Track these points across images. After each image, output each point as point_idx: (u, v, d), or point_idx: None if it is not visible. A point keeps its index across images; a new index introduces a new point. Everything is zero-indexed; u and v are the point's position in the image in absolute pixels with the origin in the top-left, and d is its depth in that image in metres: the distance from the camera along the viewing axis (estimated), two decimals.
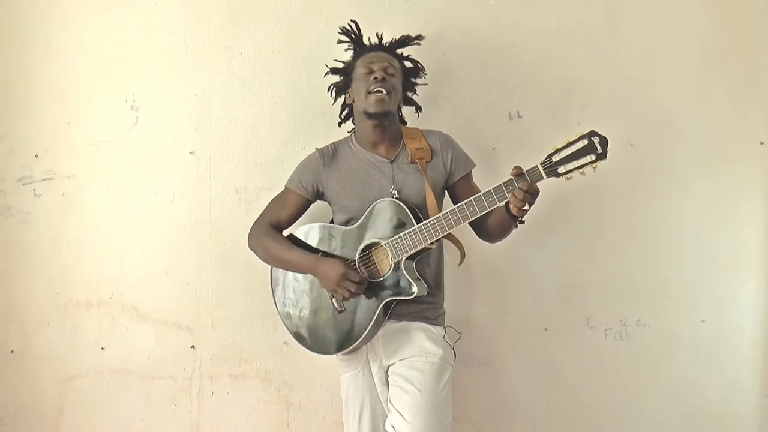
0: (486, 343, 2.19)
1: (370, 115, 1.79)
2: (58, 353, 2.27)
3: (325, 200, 1.91)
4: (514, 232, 1.76)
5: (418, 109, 2.00)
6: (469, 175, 1.90)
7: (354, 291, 1.72)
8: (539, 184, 1.61)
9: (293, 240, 1.88)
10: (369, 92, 1.77)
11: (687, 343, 2.19)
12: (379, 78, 1.77)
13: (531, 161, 1.60)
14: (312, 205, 1.94)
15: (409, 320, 1.81)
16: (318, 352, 1.85)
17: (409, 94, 1.99)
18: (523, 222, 1.70)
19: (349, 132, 1.97)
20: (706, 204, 2.18)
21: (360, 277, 1.74)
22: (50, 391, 2.28)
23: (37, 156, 2.26)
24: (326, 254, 1.83)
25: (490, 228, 1.80)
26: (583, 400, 2.21)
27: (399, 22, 2.08)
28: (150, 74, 2.24)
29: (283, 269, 1.90)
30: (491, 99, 2.19)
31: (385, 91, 1.77)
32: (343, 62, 1.96)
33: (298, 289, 1.88)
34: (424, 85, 2.00)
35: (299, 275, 1.87)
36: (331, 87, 1.98)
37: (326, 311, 1.83)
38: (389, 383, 1.80)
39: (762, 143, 2.17)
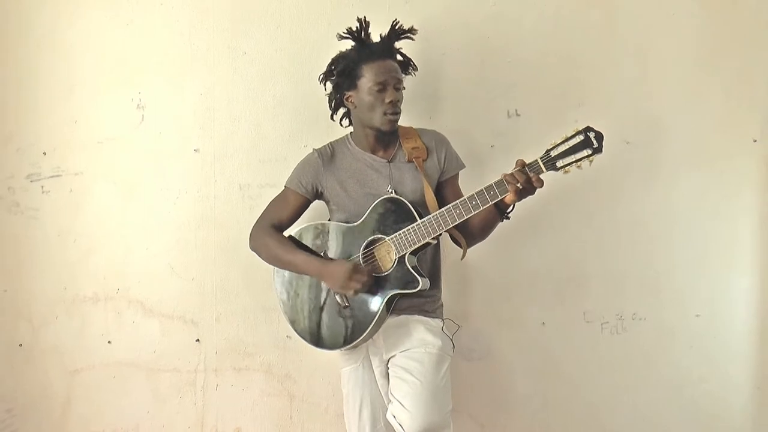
0: (484, 337, 2.23)
1: (380, 132, 1.82)
2: (66, 346, 2.30)
3: (322, 200, 1.93)
4: (513, 228, 1.79)
5: None
6: (456, 176, 1.93)
7: (366, 281, 1.75)
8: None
9: (295, 242, 1.90)
10: (385, 113, 1.79)
11: (682, 336, 2.22)
12: (395, 100, 1.79)
13: (529, 158, 1.64)
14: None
15: (408, 314, 1.84)
16: (323, 347, 1.87)
17: None
18: (509, 218, 1.74)
19: (344, 127, 1.97)
20: (700, 200, 2.22)
21: (368, 269, 1.77)
22: (58, 383, 2.31)
23: (45, 153, 2.30)
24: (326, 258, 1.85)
25: (472, 225, 1.80)
26: (580, 393, 2.24)
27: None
28: (156, 73, 2.27)
29: (287, 271, 1.91)
30: (490, 98, 2.22)
31: (399, 112, 1.81)
32: (344, 56, 1.88)
33: (301, 286, 1.90)
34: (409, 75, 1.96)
35: None
36: (323, 78, 1.92)
37: (331, 307, 1.85)
38: (389, 375, 1.83)
39: (755, 141, 2.19)
